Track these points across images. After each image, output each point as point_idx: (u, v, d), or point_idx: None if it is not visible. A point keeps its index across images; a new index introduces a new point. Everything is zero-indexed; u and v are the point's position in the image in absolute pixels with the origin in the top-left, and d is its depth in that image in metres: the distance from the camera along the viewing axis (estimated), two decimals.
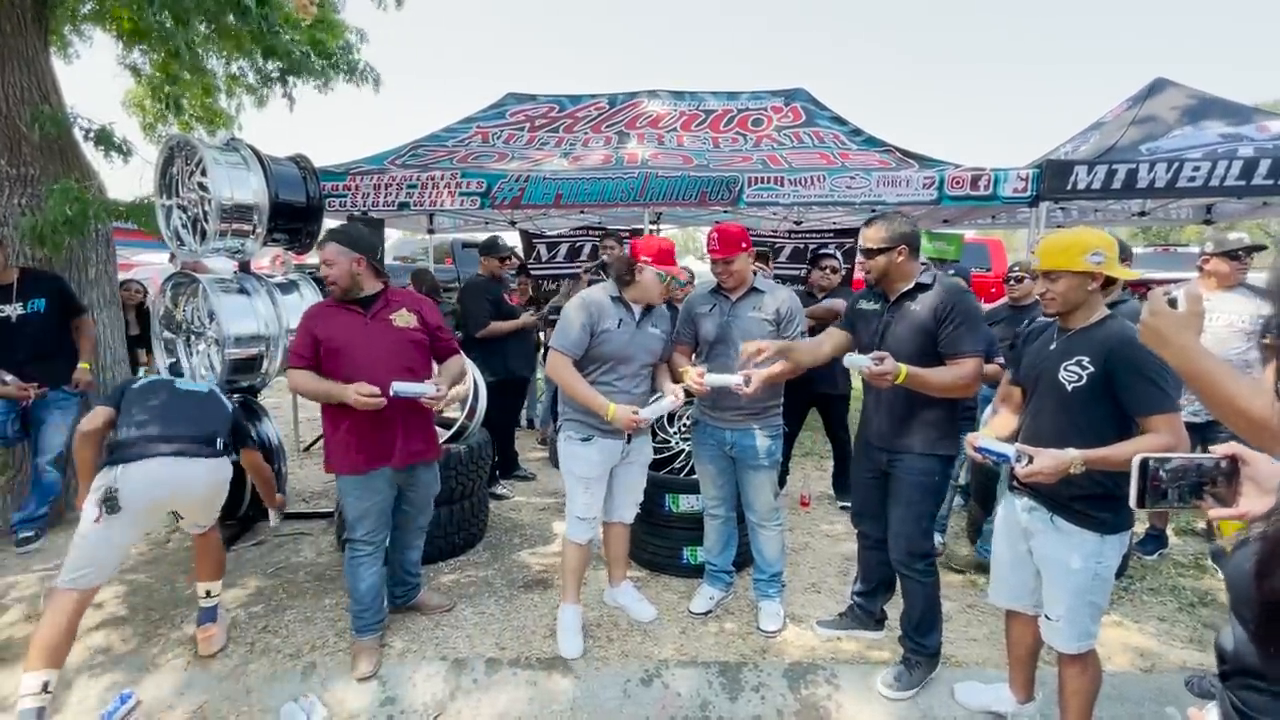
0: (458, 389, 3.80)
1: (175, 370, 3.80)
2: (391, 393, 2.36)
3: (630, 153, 5.55)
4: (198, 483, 2.45)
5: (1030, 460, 1.75)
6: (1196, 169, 4.30)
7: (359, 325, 2.52)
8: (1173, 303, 1.20)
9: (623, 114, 6.34)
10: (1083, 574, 1.90)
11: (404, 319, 2.57)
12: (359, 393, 2.33)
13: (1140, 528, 3.58)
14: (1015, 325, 3.25)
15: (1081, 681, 1.99)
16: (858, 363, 2.20)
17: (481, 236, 10.72)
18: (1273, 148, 4.47)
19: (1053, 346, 1.96)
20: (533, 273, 6.87)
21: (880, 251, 2.33)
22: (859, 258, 2.52)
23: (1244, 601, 0.71)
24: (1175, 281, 7.61)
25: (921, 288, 2.35)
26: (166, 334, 3.79)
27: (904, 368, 2.18)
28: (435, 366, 2.77)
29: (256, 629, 2.81)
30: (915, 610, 2.44)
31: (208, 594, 2.67)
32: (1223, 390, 1.09)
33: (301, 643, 2.71)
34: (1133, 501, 0.95)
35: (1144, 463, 0.94)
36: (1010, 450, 1.81)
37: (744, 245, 2.64)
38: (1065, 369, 1.87)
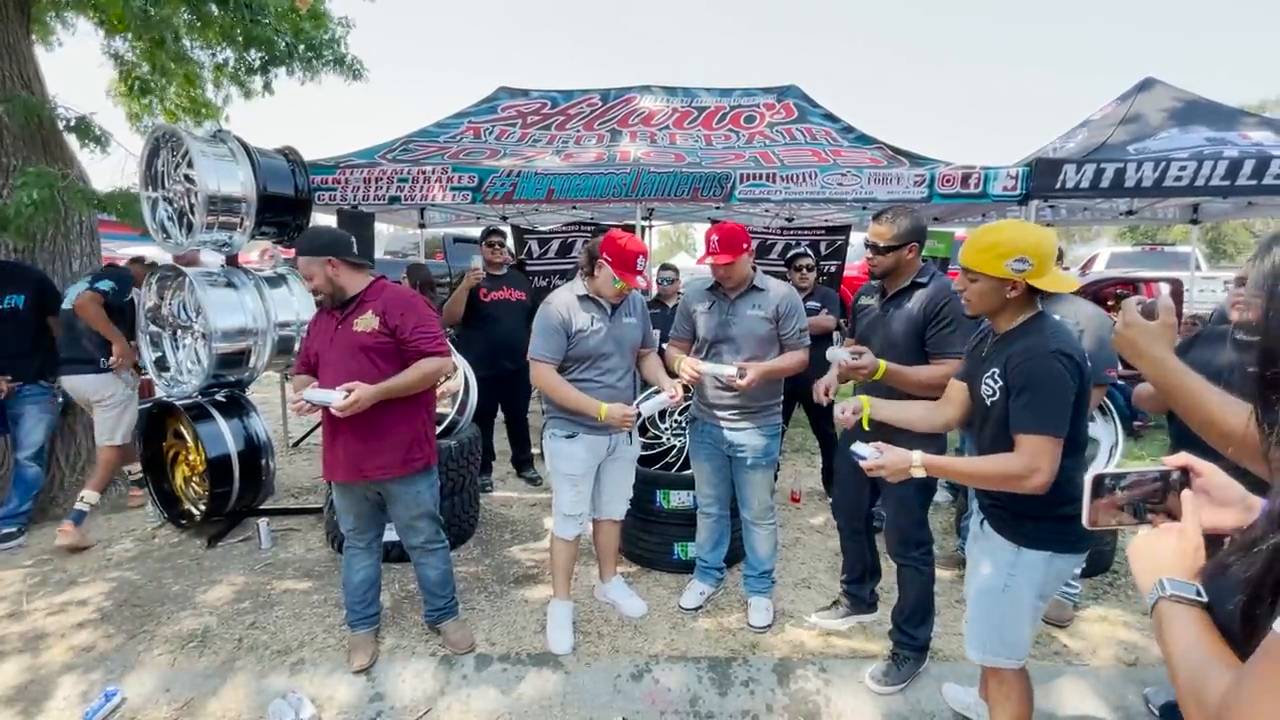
0: (446, 385, 3.80)
1: (161, 366, 3.76)
2: (304, 400, 2.26)
3: (623, 150, 5.54)
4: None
5: (880, 455, 1.72)
6: (1183, 169, 4.34)
7: (330, 330, 2.42)
8: (1148, 313, 1.18)
9: (615, 110, 6.31)
10: (991, 581, 1.80)
11: (365, 322, 2.38)
12: (291, 400, 2.32)
13: None
14: None
15: (997, 697, 1.89)
16: (837, 356, 2.25)
17: (474, 231, 10.69)
18: (1256, 151, 4.53)
19: (984, 353, 1.86)
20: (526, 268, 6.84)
21: (891, 249, 2.32)
22: (865, 252, 2.44)
23: (1231, 641, 0.70)
24: (1159, 281, 7.71)
25: (917, 286, 2.36)
26: (153, 328, 3.75)
27: (882, 363, 2.19)
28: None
29: (244, 625, 2.78)
30: (909, 601, 2.46)
31: (82, 499, 3.51)
32: (1194, 401, 1.08)
33: (290, 639, 2.69)
34: (1085, 521, 0.92)
35: (1097, 479, 0.90)
36: (869, 451, 1.74)
37: (745, 246, 2.60)
38: (985, 382, 1.77)
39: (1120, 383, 5.77)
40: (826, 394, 2.39)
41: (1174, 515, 0.87)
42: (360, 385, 2.25)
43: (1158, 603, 0.77)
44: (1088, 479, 0.91)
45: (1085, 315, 2.62)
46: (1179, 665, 0.71)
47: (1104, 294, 7.47)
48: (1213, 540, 0.83)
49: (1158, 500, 0.88)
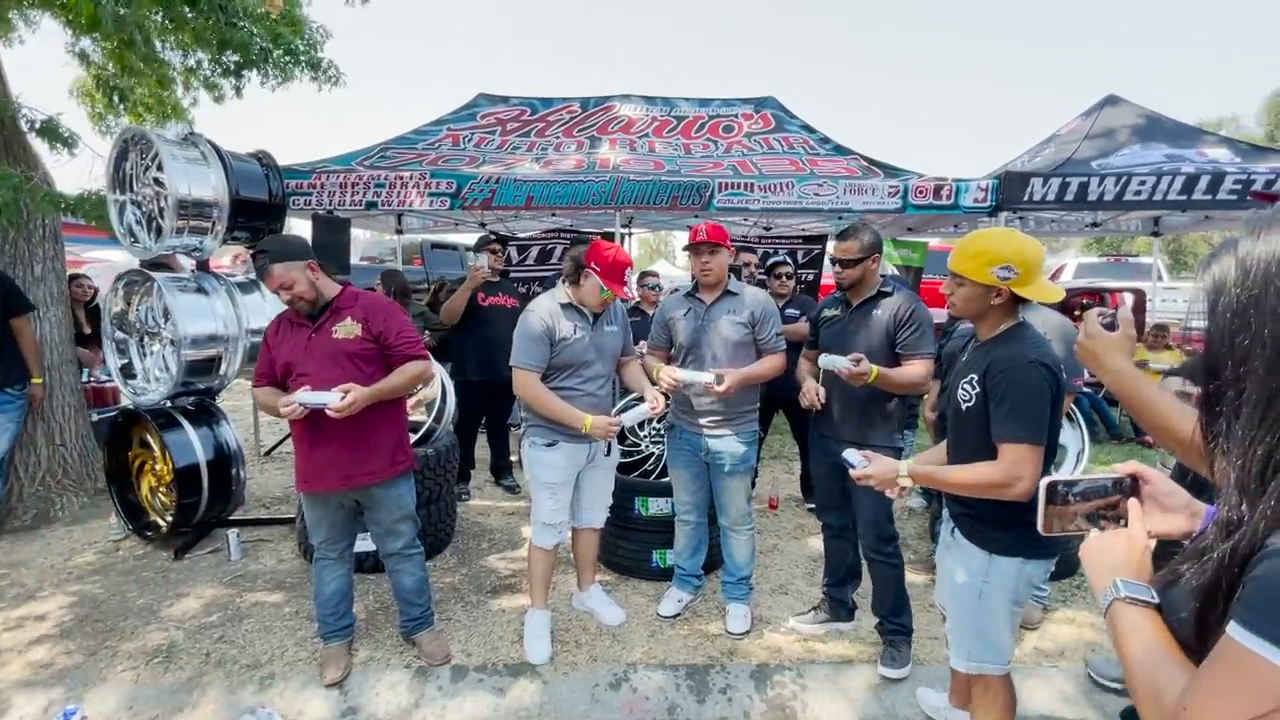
0: (423, 393, 3.76)
1: (127, 373, 3.67)
2: (296, 403, 2.20)
3: (602, 158, 5.56)
4: None
5: (868, 464, 1.74)
6: (1142, 183, 4.51)
7: (304, 338, 2.37)
8: (1109, 324, 1.21)
9: (595, 118, 6.34)
10: (967, 590, 1.83)
11: (346, 329, 2.36)
12: (280, 405, 2.23)
13: None
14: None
15: (981, 703, 1.91)
16: (836, 364, 2.35)
17: (452, 237, 10.60)
18: (1211, 167, 4.72)
19: (964, 359, 1.89)
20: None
21: (858, 261, 2.49)
22: (834, 267, 2.58)
23: (1184, 648, 0.71)
24: (1123, 291, 7.94)
25: (883, 294, 2.53)
26: (119, 334, 3.65)
27: (875, 368, 2.33)
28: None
29: (211, 639, 2.71)
30: (888, 595, 2.56)
31: None
32: (1151, 411, 1.11)
33: (259, 653, 2.63)
34: (1040, 527, 0.94)
35: (1051, 486, 0.93)
36: (858, 459, 1.77)
37: (728, 244, 2.72)
38: (961, 386, 1.80)
39: (1087, 390, 5.93)
40: (818, 396, 2.54)
41: (1125, 520, 0.90)
42: (356, 387, 2.24)
43: (1112, 604, 0.79)
44: (1041, 486, 0.94)
45: (1051, 325, 2.70)
46: (1135, 666, 0.73)
47: (1071, 304, 7.68)
48: (1165, 545, 0.86)
49: (1109, 506, 0.91)
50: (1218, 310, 0.68)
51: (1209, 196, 4.51)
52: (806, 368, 2.71)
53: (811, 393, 2.55)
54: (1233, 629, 0.60)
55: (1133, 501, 0.89)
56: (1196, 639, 0.69)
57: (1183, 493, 0.92)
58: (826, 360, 2.39)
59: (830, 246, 7.02)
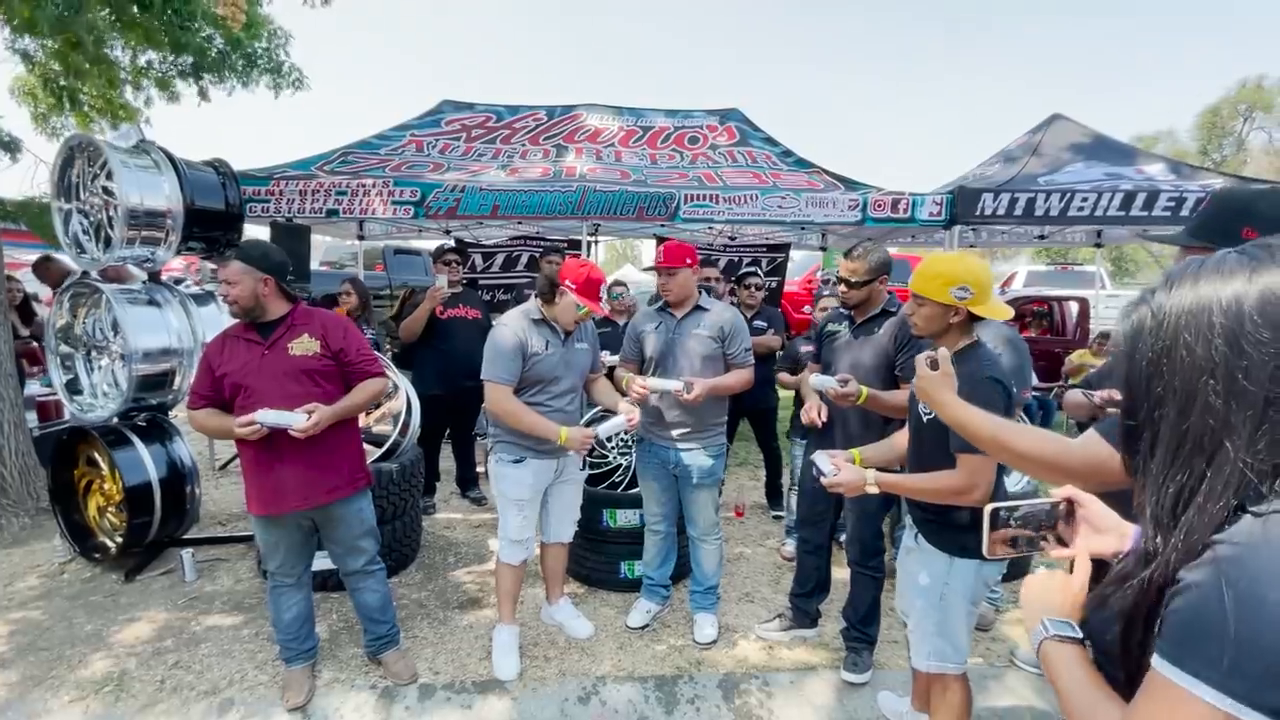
0: (389, 405, 3.71)
1: (73, 388, 3.52)
2: (258, 423, 2.14)
3: (569, 166, 5.57)
4: None
5: (838, 472, 1.84)
6: (1085, 200, 4.76)
7: (256, 356, 2.28)
8: (933, 364, 1.40)
9: (562, 126, 6.35)
10: (929, 592, 1.93)
11: (304, 345, 2.31)
12: (237, 425, 2.16)
13: None
14: None
15: (940, 702, 1.99)
16: (824, 384, 2.38)
17: (415, 243, 10.43)
18: (1148, 185, 5.01)
19: None
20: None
21: (864, 284, 2.49)
22: (839, 286, 2.61)
23: (1111, 664, 0.76)
24: (1068, 299, 8.30)
25: (887, 314, 2.52)
26: (64, 348, 3.50)
27: (864, 389, 2.35)
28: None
29: (166, 665, 2.62)
30: (863, 605, 2.62)
31: None
32: (977, 432, 1.22)
33: (218, 678, 2.55)
34: (984, 550, 0.99)
35: (994, 512, 0.98)
36: (828, 468, 1.86)
37: (688, 261, 2.74)
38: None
39: (1036, 394, 6.19)
40: (819, 414, 2.56)
41: (1063, 540, 0.96)
42: (320, 406, 2.21)
43: (1042, 642, 0.85)
44: (985, 512, 0.99)
45: (1000, 335, 2.84)
46: (1068, 700, 0.78)
47: (1021, 311, 7.99)
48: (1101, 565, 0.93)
49: (1048, 529, 0.97)
50: (1135, 358, 0.73)
51: (1145, 212, 4.78)
52: (808, 381, 2.72)
53: (813, 410, 2.54)
54: (1156, 662, 0.64)
55: (1080, 550, 0.94)
56: (1122, 661, 0.74)
57: (1113, 514, 0.99)
58: (816, 380, 2.42)
59: (795, 253, 7.19)
